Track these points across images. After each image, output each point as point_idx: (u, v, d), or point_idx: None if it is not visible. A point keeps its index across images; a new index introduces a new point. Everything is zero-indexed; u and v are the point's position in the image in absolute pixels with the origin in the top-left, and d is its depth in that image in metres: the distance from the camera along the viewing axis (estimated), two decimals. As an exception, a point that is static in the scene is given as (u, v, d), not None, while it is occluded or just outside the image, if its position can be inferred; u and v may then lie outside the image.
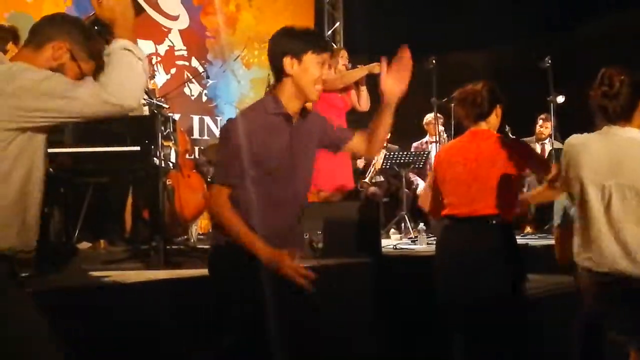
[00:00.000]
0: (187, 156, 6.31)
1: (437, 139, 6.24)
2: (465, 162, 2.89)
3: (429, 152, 6.39)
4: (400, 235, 5.78)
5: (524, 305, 2.88)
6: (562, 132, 6.74)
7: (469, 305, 2.82)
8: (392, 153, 6.24)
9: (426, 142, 6.78)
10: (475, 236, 2.83)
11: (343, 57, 5.11)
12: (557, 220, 3.51)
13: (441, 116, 6.26)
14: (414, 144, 6.85)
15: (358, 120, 7.65)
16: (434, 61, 5.66)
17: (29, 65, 1.88)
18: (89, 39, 2.06)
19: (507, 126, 6.08)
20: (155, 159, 4.17)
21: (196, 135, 7.81)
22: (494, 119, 2.97)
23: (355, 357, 3.58)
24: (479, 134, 2.94)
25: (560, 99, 5.77)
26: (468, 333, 2.88)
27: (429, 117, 6.67)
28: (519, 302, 2.83)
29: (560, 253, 3.48)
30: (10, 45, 3.72)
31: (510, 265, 2.82)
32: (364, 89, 5.03)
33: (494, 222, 2.81)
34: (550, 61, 5.62)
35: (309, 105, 2.49)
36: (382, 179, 6.55)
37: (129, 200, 5.20)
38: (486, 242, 2.81)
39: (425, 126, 6.82)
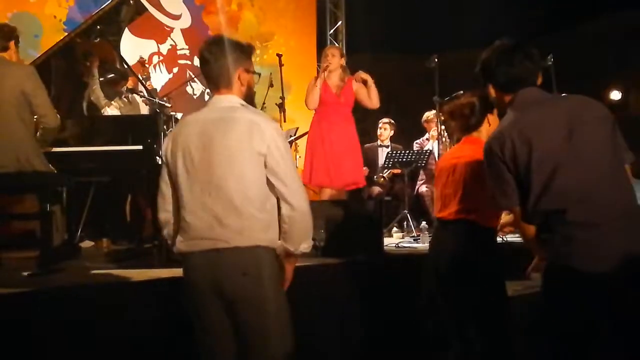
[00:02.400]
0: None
1: (439, 137, 6.25)
2: (454, 170, 2.94)
3: (431, 151, 6.39)
4: (402, 234, 5.78)
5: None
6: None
7: None
8: (394, 152, 6.24)
9: (426, 140, 6.79)
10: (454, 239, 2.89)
11: (334, 56, 5.11)
12: None
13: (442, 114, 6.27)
14: (416, 142, 6.84)
15: (364, 119, 7.68)
16: (436, 59, 5.65)
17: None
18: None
19: None
20: (157, 158, 4.18)
21: (198, 134, 7.81)
22: (486, 127, 2.97)
23: (355, 354, 3.59)
24: (470, 141, 2.97)
25: (563, 97, 5.75)
26: None
27: (428, 114, 6.70)
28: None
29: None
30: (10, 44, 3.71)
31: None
32: (372, 87, 5.02)
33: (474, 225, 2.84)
34: (552, 60, 5.61)
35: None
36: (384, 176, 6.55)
37: (129, 199, 5.22)
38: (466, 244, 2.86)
39: (424, 124, 6.83)
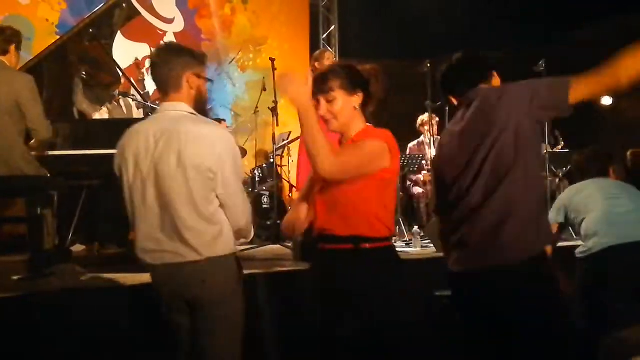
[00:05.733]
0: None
1: (431, 142, 6.27)
2: None
3: (423, 156, 6.40)
4: (394, 238, 5.78)
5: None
6: (554, 136, 6.77)
7: None
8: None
9: (422, 143, 6.80)
10: None
11: (329, 60, 5.12)
12: (557, 217, 3.53)
13: (436, 117, 6.31)
14: (410, 145, 6.85)
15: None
16: (428, 64, 5.67)
17: None
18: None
19: None
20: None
21: (191, 138, 7.81)
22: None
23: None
24: None
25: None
26: None
27: (422, 118, 6.71)
28: None
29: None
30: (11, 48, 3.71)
31: None
32: None
33: None
34: (544, 65, 5.64)
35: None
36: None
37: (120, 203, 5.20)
38: None
39: (419, 128, 6.84)
